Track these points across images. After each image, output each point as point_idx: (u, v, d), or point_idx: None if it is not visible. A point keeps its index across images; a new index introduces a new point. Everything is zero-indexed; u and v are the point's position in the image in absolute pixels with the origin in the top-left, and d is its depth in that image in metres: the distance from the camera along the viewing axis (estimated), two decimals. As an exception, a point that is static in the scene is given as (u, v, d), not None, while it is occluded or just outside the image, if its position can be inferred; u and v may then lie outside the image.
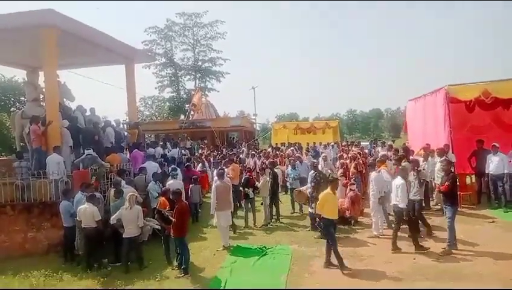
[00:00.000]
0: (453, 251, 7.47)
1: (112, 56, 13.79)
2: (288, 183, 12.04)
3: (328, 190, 7.36)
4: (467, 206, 10.67)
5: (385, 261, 7.34)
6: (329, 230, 7.22)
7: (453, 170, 8.69)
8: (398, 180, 7.90)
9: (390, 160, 11.01)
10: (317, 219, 7.45)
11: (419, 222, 8.40)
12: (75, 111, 12.49)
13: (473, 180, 11.85)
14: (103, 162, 10.24)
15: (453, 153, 10.58)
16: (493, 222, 9.40)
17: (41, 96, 12.15)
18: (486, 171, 10.79)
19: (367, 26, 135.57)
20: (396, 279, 6.57)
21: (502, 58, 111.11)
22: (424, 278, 6.49)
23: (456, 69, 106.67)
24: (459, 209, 7.93)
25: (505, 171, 10.43)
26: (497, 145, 10.64)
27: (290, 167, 11.97)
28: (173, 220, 7.31)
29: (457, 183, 8.01)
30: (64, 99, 13.11)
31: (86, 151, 10.08)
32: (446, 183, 7.54)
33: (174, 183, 9.85)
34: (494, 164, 10.53)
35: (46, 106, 11.15)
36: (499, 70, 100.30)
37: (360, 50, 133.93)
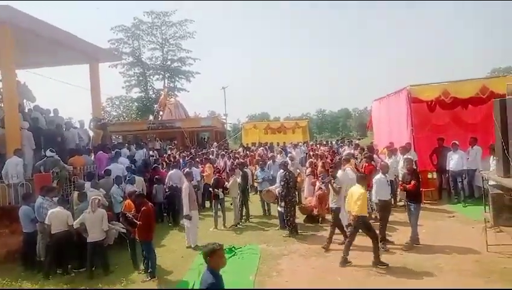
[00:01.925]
0: (415, 245, 7.76)
1: (75, 55, 13.37)
2: (256, 184, 12.00)
3: (361, 187, 7.14)
4: (429, 202, 11.10)
5: (350, 257, 7.50)
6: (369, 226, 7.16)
7: (415, 168, 9.05)
8: (378, 176, 8.09)
9: (356, 158, 11.27)
10: (352, 219, 7.13)
11: (338, 229, 8.24)
12: (33, 112, 11.99)
13: (434, 176, 12.33)
14: (65, 165, 9.88)
15: (415, 151, 10.98)
16: (453, 216, 9.84)
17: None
18: (447, 168, 11.26)
19: (336, 27, 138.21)
20: (361, 274, 6.73)
21: (462, 58, 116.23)
22: (387, 272, 6.68)
23: (419, 69, 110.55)
24: (421, 205, 8.21)
25: (464, 168, 10.93)
26: (457, 143, 11.13)
27: (259, 169, 11.88)
28: (138, 223, 7.15)
29: (420, 180, 8.28)
30: (25, 100, 12.59)
31: (48, 154, 9.69)
32: (413, 182, 7.78)
33: (130, 187, 9.63)
34: (454, 161, 11.00)
35: (4, 107, 10.65)
36: (459, 71, 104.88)
37: (329, 50, 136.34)
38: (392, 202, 9.30)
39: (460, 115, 12.95)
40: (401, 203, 10.16)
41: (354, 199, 6.99)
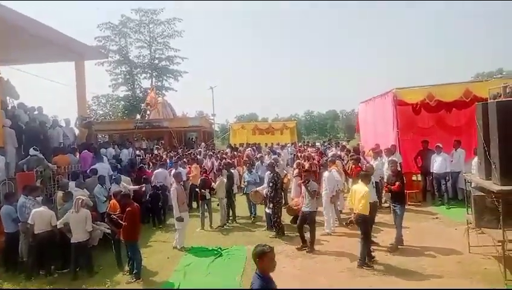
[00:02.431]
0: (400, 247, 7.86)
1: (60, 52, 13.14)
2: (243, 186, 11.64)
3: (365, 186, 7.12)
4: (413, 203, 11.26)
5: (336, 258, 7.59)
6: (367, 227, 7.16)
7: (400, 170, 9.16)
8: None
9: (342, 160, 11.37)
10: (355, 217, 7.20)
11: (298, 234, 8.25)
12: (16, 109, 11.75)
13: (419, 178, 12.52)
14: (49, 164, 9.71)
15: (400, 153, 11.13)
16: (436, 218, 10.00)
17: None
18: (431, 171, 11.44)
19: (325, 28, 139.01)
20: (346, 275, 6.80)
21: (447, 62, 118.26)
22: (372, 273, 6.76)
23: (406, 71, 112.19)
24: (406, 206, 8.33)
25: (448, 170, 11.13)
26: (440, 145, 11.31)
27: (246, 171, 11.58)
28: (123, 223, 7.08)
29: (405, 182, 8.41)
30: (8, 98, 12.33)
31: (31, 152, 9.50)
32: (397, 183, 7.88)
33: (115, 187, 9.50)
34: (437, 163, 11.18)
35: (-14, 104, 10.40)
36: (444, 74, 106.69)
37: (318, 52, 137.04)
38: (378, 204, 9.38)
39: (444, 118, 13.17)
40: (386, 205, 10.29)
41: (358, 197, 7.05)
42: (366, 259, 7.10)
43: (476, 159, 9.33)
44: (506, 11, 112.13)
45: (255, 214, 10.92)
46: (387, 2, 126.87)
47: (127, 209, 7.12)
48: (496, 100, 6.19)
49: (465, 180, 7.93)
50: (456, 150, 11.24)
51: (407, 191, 10.37)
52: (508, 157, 5.79)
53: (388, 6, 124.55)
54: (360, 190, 7.13)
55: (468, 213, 7.34)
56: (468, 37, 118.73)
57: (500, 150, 5.87)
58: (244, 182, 11.39)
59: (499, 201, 5.96)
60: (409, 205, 10.32)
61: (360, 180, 7.34)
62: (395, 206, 8.06)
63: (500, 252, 6.19)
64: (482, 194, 6.50)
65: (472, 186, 7.12)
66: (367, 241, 7.16)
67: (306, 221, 8.07)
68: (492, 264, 6.69)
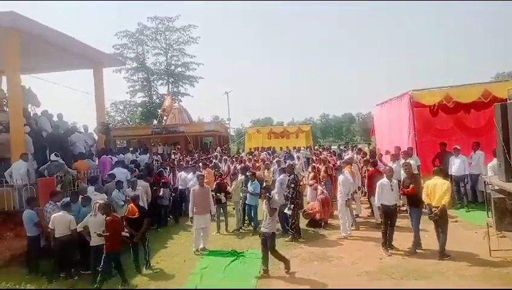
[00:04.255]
0: (418, 251, 7.75)
1: (80, 60, 13.51)
2: (243, 196, 10.61)
3: (444, 179, 7.46)
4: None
5: (353, 262, 7.52)
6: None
7: (416, 173, 9.05)
8: (382, 180, 8.08)
9: (359, 163, 11.29)
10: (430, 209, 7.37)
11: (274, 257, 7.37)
12: (40, 116, 12.11)
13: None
14: (69, 169, 9.96)
15: (417, 155, 10.97)
16: (456, 221, 9.78)
17: (5, 101, 11.71)
18: (449, 173, 11.23)
19: (340, 31, 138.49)
20: (363, 279, 6.73)
21: (466, 63, 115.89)
22: (390, 277, 6.68)
23: (423, 73, 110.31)
24: (423, 210, 8.21)
25: (466, 173, 10.90)
26: (458, 147, 11.09)
27: (249, 181, 10.31)
28: (105, 234, 7.06)
29: (422, 185, 8.29)
30: (29, 105, 12.72)
31: (52, 158, 9.77)
32: (411, 186, 7.80)
33: (130, 191, 9.71)
34: (456, 165, 10.96)
35: (9, 112, 10.76)
36: (461, 75, 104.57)
37: (333, 55, 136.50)
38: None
39: (463, 120, 12.94)
40: (404, 208, 10.14)
41: (442, 191, 7.16)
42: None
43: (492, 162, 9.18)
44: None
45: (256, 226, 10.01)
46: (406, 4, 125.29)
47: (107, 219, 7.11)
48: (515, 100, 6.06)
49: (484, 182, 7.74)
50: (475, 152, 11.00)
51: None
52: (529, 159, 5.66)
53: (407, 6, 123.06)
54: (440, 183, 7.29)
55: (488, 216, 7.18)
56: (488, 37, 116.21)
57: (520, 151, 5.75)
58: (243, 192, 10.53)
59: (519, 203, 5.82)
60: (426, 208, 10.13)
61: (435, 176, 7.51)
62: (411, 209, 7.98)
63: (522, 256, 6.04)
64: (502, 196, 6.36)
65: (492, 188, 6.96)
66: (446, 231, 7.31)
67: (266, 243, 7.26)
68: (515, 268, 6.53)
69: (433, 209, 7.32)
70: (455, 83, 11.69)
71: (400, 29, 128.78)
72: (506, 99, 7.29)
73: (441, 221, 7.31)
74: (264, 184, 11.89)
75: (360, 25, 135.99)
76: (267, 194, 7.43)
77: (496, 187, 6.76)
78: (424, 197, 7.63)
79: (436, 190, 7.27)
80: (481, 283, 6.14)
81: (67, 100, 65.75)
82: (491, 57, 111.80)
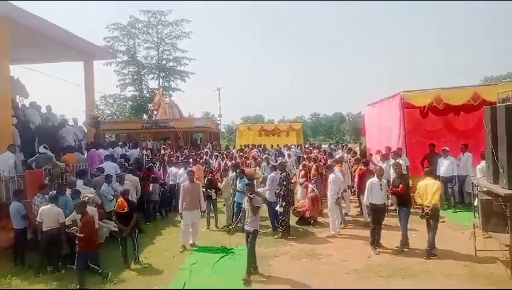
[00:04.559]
0: (405, 250, 7.86)
1: (70, 52, 13.33)
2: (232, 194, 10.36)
3: (435, 180, 7.76)
4: (418, 206, 11.15)
5: (341, 260, 7.60)
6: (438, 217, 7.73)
7: (405, 173, 9.17)
8: (372, 179, 8.18)
9: (349, 162, 11.38)
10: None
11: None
12: (28, 108, 11.91)
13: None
14: (58, 162, 9.83)
15: (406, 156, 11.09)
16: (443, 221, 9.89)
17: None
18: (438, 174, 11.36)
19: (332, 31, 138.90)
20: (351, 276, 6.81)
21: (455, 66, 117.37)
22: (377, 275, 6.76)
23: (413, 75, 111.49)
24: (412, 209, 8.33)
25: (454, 174, 11.08)
26: (447, 149, 11.26)
27: (238, 177, 10.06)
28: (79, 235, 6.78)
29: (411, 185, 8.40)
30: (17, 96, 12.50)
31: (40, 150, 9.64)
32: (401, 186, 7.91)
33: (118, 186, 9.66)
34: (444, 166, 11.12)
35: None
36: (449, 78, 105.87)
37: (325, 54, 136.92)
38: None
39: (452, 122, 13.11)
40: (392, 208, 10.26)
41: (432, 191, 7.42)
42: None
43: (480, 165, 9.34)
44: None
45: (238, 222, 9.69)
46: (395, 6, 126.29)
47: (82, 219, 6.87)
48: (505, 104, 6.15)
49: (472, 184, 7.89)
50: (463, 153, 11.18)
51: (413, 194, 10.33)
52: (516, 161, 5.77)
53: (396, 8, 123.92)
54: (431, 184, 7.54)
55: (475, 217, 7.31)
56: (477, 40, 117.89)
57: (509, 154, 5.85)
58: (233, 189, 10.30)
59: (506, 205, 5.93)
60: (415, 208, 10.27)
61: (427, 177, 7.78)
62: (400, 209, 8.10)
63: (507, 257, 6.16)
64: (490, 198, 6.47)
65: (480, 190, 7.09)
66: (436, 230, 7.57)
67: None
68: (499, 268, 6.66)
69: (425, 208, 7.50)
70: (443, 86, 11.85)
71: (390, 30, 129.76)
72: (495, 102, 7.41)
73: (432, 220, 7.52)
74: (255, 182, 11.92)
75: (353, 25, 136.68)
76: (249, 193, 7.20)
77: (484, 189, 6.88)
78: (417, 198, 7.84)
79: (427, 190, 7.48)
80: (466, 283, 6.25)
81: (59, 92, 64.56)
82: (479, 61, 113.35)
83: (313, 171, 11.07)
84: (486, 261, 7.04)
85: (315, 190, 10.15)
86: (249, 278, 6.81)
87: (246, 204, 7.36)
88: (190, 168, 10.80)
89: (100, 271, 7.14)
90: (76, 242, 6.83)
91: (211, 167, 13.94)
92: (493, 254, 7.07)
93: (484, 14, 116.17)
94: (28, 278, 7.35)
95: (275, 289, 6.46)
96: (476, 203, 8.53)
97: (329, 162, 11.15)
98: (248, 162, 15.44)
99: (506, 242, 5.96)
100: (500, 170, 6.03)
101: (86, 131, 13.75)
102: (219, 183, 10.97)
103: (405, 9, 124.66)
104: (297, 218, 10.29)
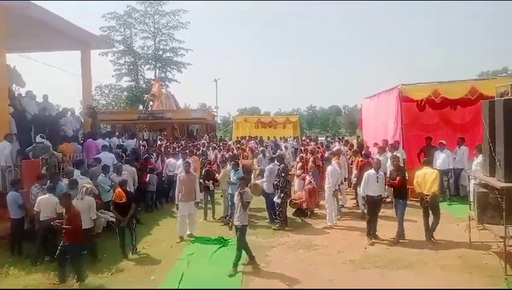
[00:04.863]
0: (401, 241, 7.95)
1: (67, 41, 13.17)
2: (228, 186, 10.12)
3: (433, 169, 8.20)
4: (415, 199, 11.27)
5: (338, 251, 7.68)
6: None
7: (402, 165, 9.25)
8: (369, 172, 8.25)
9: (346, 155, 11.44)
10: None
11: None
12: (24, 97, 11.80)
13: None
14: (55, 152, 9.78)
15: (403, 149, 11.16)
16: (438, 214, 10.04)
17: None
18: (434, 167, 11.44)
19: (329, 24, 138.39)
20: (348, 267, 6.89)
21: (451, 60, 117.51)
22: (374, 266, 6.84)
23: (409, 69, 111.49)
24: (408, 201, 8.41)
25: (450, 167, 11.16)
26: (443, 142, 11.33)
27: (232, 169, 9.95)
28: (66, 227, 6.50)
29: (407, 178, 8.48)
30: (14, 85, 12.37)
31: (37, 139, 9.57)
32: (398, 178, 7.99)
33: (115, 176, 9.61)
34: (440, 160, 11.19)
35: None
36: (446, 71, 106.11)
37: (321, 47, 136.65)
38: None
39: (448, 115, 13.17)
40: (389, 200, 10.34)
41: (431, 179, 7.72)
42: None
43: (476, 159, 9.46)
44: (508, 9, 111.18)
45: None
46: (394, 4, 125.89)
47: (66, 214, 6.63)
48: (503, 98, 6.19)
49: (468, 177, 7.98)
50: (459, 147, 11.26)
51: (410, 187, 10.42)
52: (513, 155, 5.82)
53: (391, 4, 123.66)
54: (430, 172, 7.88)
55: (470, 209, 7.40)
56: (472, 35, 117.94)
57: (506, 147, 5.91)
58: (228, 181, 10.12)
59: (502, 197, 6.00)
60: (411, 200, 10.35)
61: (424, 166, 8.12)
62: (396, 201, 8.18)
63: (501, 248, 6.25)
64: (485, 190, 6.54)
65: (476, 182, 7.16)
66: (439, 217, 7.98)
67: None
68: (493, 259, 6.76)
69: (424, 197, 7.75)
70: (439, 80, 11.90)
71: (384, 25, 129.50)
72: (492, 96, 7.46)
73: (432, 207, 7.82)
74: (253, 174, 11.95)
75: (351, 19, 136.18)
76: (241, 188, 7.15)
77: (480, 181, 6.94)
78: (415, 187, 8.03)
79: (426, 179, 7.76)
80: (461, 274, 6.34)
81: (55, 82, 63.98)
82: (474, 56, 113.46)
83: (310, 164, 11.08)
84: (481, 253, 7.13)
85: (312, 181, 10.19)
86: (235, 273, 6.77)
87: (236, 199, 7.30)
88: (186, 160, 10.76)
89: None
90: (63, 235, 6.56)
91: (208, 158, 13.94)
92: (487, 246, 7.17)
93: (480, 12, 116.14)
94: (25, 267, 7.34)
95: (273, 288, 6.38)
96: (471, 197, 8.81)
97: (326, 154, 11.16)
98: (245, 153, 15.45)
99: (501, 234, 6.03)
100: (497, 163, 6.09)
101: (83, 121, 13.67)
102: (217, 175, 10.97)
103: (404, 5, 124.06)
104: (294, 209, 10.35)
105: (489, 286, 5.89)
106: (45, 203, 7.48)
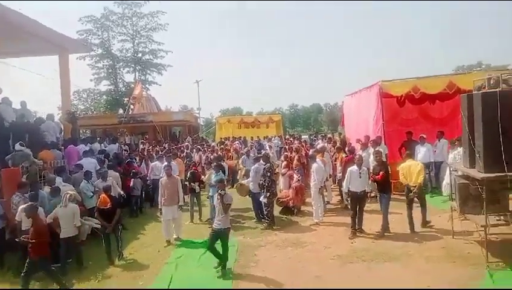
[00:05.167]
0: (386, 234, 8.11)
1: (45, 45, 12.88)
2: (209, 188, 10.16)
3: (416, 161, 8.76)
4: (398, 193, 11.49)
5: (325, 246, 7.77)
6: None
7: (385, 160, 9.43)
8: (352, 168, 8.41)
9: (330, 152, 11.56)
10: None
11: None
12: (1, 104, 11.45)
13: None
14: (35, 160, 9.54)
15: (385, 144, 11.36)
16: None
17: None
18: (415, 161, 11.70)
19: (308, 23, 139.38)
20: (336, 262, 6.99)
21: (428, 56, 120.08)
22: (361, 260, 6.96)
23: (388, 65, 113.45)
24: (391, 195, 8.58)
25: (431, 160, 11.43)
26: (424, 136, 11.61)
27: (213, 171, 9.93)
28: (31, 241, 6.28)
29: (390, 172, 8.65)
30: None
31: (17, 147, 9.31)
32: (381, 173, 8.15)
33: (100, 182, 9.45)
34: (421, 153, 11.43)
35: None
36: (424, 66, 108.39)
37: (301, 45, 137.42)
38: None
39: (427, 110, 13.48)
40: (373, 194, 10.50)
41: (416, 172, 8.09)
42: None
43: (453, 153, 9.78)
44: (480, 7, 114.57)
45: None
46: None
47: (34, 224, 6.42)
48: (481, 92, 6.38)
49: (449, 169, 8.20)
50: (439, 140, 11.56)
51: (393, 181, 10.61)
52: (492, 146, 6.01)
53: (368, 3, 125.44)
54: (414, 164, 8.30)
55: (452, 200, 7.59)
56: (447, 31, 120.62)
57: (484, 139, 6.09)
58: (209, 183, 10.09)
59: (482, 188, 6.18)
60: (394, 194, 10.55)
61: (408, 159, 8.53)
62: (380, 195, 8.34)
63: (482, 237, 6.44)
64: (466, 182, 6.72)
65: (457, 174, 7.35)
66: (424, 206, 8.45)
67: (217, 240, 6.94)
68: (475, 248, 6.97)
69: (411, 188, 8.08)
70: (418, 75, 12.16)
71: (362, 23, 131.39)
72: (469, 90, 7.66)
73: (419, 198, 8.20)
74: (238, 175, 11.93)
75: (326, 18, 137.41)
76: (220, 190, 6.98)
77: (461, 173, 7.14)
78: (401, 179, 8.33)
79: (411, 170, 8.12)
80: (445, 264, 6.50)
81: (32, 87, 62.16)
82: (450, 50, 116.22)
83: (295, 162, 11.16)
84: (464, 243, 7.34)
85: (300, 179, 10.26)
86: (224, 274, 6.75)
87: (216, 201, 7.13)
88: (167, 164, 10.59)
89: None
90: (29, 250, 6.27)
91: (193, 160, 13.86)
92: (469, 236, 7.39)
93: (456, 8, 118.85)
94: (8, 280, 7.15)
95: (264, 289, 6.36)
96: (444, 188, 9.82)
97: (311, 152, 11.25)
98: (230, 154, 15.45)
99: (482, 223, 6.22)
100: (477, 155, 6.27)
101: (62, 127, 13.38)
102: (202, 177, 10.92)
103: (381, 3, 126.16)
104: (281, 208, 10.40)
105: (473, 275, 6.05)
106: (26, 213, 7.27)
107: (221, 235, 6.92)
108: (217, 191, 7.16)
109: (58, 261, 7.41)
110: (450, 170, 8.10)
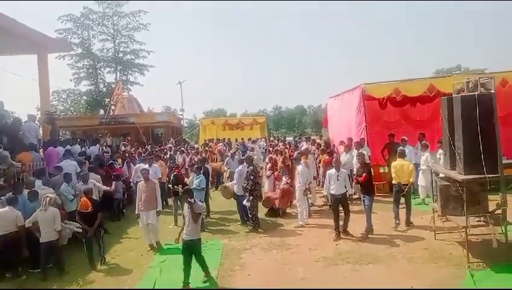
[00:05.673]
0: (370, 236, 8.19)
1: (23, 44, 12.52)
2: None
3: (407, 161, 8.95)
4: (381, 194, 11.68)
5: (310, 249, 7.79)
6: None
7: (368, 162, 9.55)
8: (330, 171, 8.51)
9: (314, 154, 11.63)
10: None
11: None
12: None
13: (386, 170, 12.96)
14: (13, 162, 9.25)
15: (368, 146, 11.50)
16: (403, 208, 10.40)
17: None
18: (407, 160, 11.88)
19: (292, 26, 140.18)
20: (321, 264, 7.02)
21: (407, 59, 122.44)
22: (346, 262, 7.00)
23: (369, 68, 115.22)
24: (374, 197, 8.69)
25: (413, 162, 11.58)
26: (406, 138, 11.79)
27: (195, 174, 9.97)
28: None
29: (373, 174, 8.77)
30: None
31: (-7, 149, 9.03)
32: (364, 175, 8.25)
33: (81, 185, 9.12)
34: (403, 155, 11.61)
35: None
36: (405, 69, 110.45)
37: (285, 48, 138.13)
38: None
39: (408, 112, 13.74)
40: (356, 196, 10.62)
41: (409, 170, 8.42)
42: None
43: (427, 155, 10.27)
44: (458, 10, 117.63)
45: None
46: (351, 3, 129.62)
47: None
48: (460, 94, 6.53)
49: (431, 171, 8.36)
50: (420, 142, 11.73)
51: (375, 183, 10.76)
52: (471, 149, 6.15)
53: (352, 4, 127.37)
54: (406, 164, 8.57)
55: (433, 202, 7.74)
56: (427, 35, 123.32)
57: (464, 141, 6.23)
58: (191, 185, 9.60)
59: (463, 189, 6.32)
60: (377, 195, 10.71)
61: (399, 158, 8.74)
62: (364, 197, 8.44)
63: (463, 237, 6.58)
64: (447, 183, 6.86)
65: (438, 176, 7.50)
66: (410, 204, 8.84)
67: (190, 253, 6.47)
68: (456, 249, 7.10)
69: (403, 186, 8.37)
70: (399, 78, 12.40)
71: (345, 26, 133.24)
72: (449, 93, 7.85)
73: (406, 197, 8.61)
74: (223, 178, 11.84)
75: (309, 19, 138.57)
76: (189, 198, 6.44)
77: (442, 175, 7.28)
78: (393, 177, 8.62)
79: (403, 169, 8.38)
80: (428, 265, 6.62)
81: (10, 87, 60.36)
82: (430, 54, 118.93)
83: (279, 164, 11.19)
84: (445, 243, 7.48)
85: (288, 182, 10.27)
86: (209, 278, 6.58)
87: (185, 211, 6.52)
88: (145, 167, 10.40)
89: None
90: None
91: (176, 163, 13.70)
92: (451, 236, 7.54)
93: (435, 10, 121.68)
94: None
95: (251, 288, 6.35)
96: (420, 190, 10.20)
97: (295, 154, 11.30)
98: (214, 156, 15.36)
99: (463, 224, 6.35)
100: (457, 157, 6.41)
101: (41, 128, 13.04)
102: (186, 179, 10.81)
103: (363, 5, 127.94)
104: (267, 210, 10.39)
105: (455, 275, 6.17)
106: (3, 217, 7.06)
107: (192, 246, 6.43)
108: (186, 200, 6.55)
109: (38, 266, 7.23)
110: (431, 172, 8.25)
